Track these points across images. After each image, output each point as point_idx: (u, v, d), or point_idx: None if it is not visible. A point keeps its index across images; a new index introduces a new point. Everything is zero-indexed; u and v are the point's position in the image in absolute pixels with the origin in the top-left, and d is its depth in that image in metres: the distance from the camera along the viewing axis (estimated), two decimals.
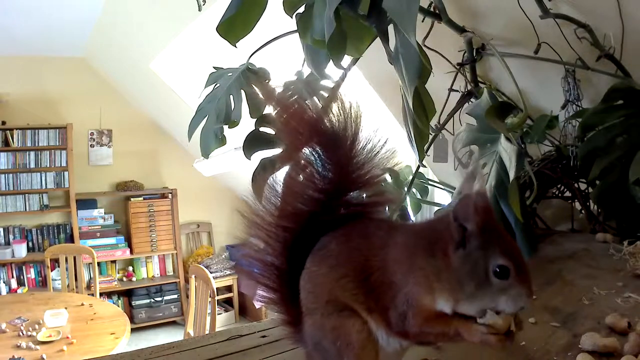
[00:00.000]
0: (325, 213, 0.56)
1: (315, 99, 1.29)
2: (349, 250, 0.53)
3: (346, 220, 0.56)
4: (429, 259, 0.48)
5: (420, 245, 0.49)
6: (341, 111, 0.55)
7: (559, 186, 1.39)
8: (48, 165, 4.73)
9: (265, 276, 0.58)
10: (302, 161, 0.56)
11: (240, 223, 0.58)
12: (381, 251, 0.51)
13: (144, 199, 5.19)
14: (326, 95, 1.27)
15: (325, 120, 0.55)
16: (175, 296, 5.21)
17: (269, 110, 1.24)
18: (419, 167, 1.42)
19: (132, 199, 5.13)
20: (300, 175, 0.57)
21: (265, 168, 1.10)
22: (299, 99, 1.19)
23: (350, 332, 0.50)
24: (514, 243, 0.48)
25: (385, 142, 0.56)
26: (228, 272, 5.29)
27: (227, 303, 5.38)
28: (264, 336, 0.73)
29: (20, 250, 4.57)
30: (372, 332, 0.51)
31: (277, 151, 0.57)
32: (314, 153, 0.56)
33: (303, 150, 0.56)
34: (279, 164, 0.59)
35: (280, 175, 0.58)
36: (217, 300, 3.55)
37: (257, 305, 4.79)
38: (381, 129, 0.56)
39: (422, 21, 1.37)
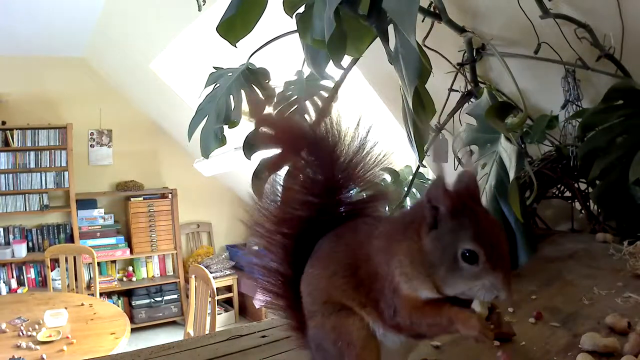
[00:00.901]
0: (322, 216, 0.56)
1: (315, 99, 1.29)
2: (338, 247, 0.53)
3: (345, 221, 0.56)
4: (403, 242, 0.47)
5: (397, 231, 0.49)
6: (322, 116, 0.56)
7: (559, 186, 1.39)
8: (48, 165, 4.73)
9: (271, 283, 0.58)
10: (293, 168, 0.57)
11: (244, 230, 0.58)
12: (366, 243, 0.51)
13: (144, 199, 5.19)
14: (326, 95, 1.27)
15: (308, 126, 0.55)
16: (175, 296, 5.21)
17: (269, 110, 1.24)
18: (419, 167, 1.42)
19: (132, 199, 5.13)
20: (293, 182, 0.57)
21: (265, 168, 1.10)
22: (287, 111, 1.20)
23: (351, 330, 0.50)
24: (491, 228, 0.46)
25: (369, 134, 0.56)
26: (228, 272, 5.29)
27: (227, 303, 5.38)
28: (264, 336, 0.73)
29: (20, 250, 4.57)
30: (371, 329, 0.50)
31: (276, 151, 0.57)
32: (302, 159, 0.56)
33: (292, 159, 0.56)
34: (267, 172, 0.59)
35: (278, 181, 0.58)
36: (217, 300, 3.55)
37: (257, 305, 4.79)
38: (365, 123, 0.56)
39: (422, 21, 1.36)
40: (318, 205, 0.56)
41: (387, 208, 0.61)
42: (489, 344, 0.66)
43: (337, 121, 0.55)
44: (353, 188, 0.57)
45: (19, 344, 2.52)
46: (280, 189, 0.58)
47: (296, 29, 1.09)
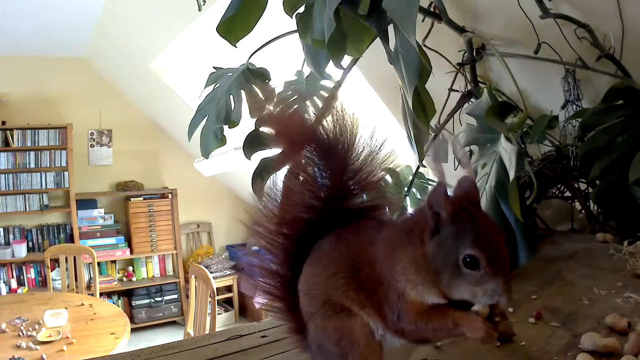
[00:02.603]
0: (325, 219, 0.56)
1: (315, 99, 1.29)
2: (340, 248, 0.53)
3: (346, 224, 0.56)
4: (407, 248, 0.48)
5: (401, 237, 0.49)
6: (336, 120, 0.55)
7: (559, 186, 1.39)
8: (48, 165, 4.73)
9: (271, 285, 0.58)
10: (299, 170, 0.56)
11: (244, 230, 0.58)
12: (370, 247, 0.51)
13: (144, 199, 5.19)
14: (326, 95, 1.27)
15: (319, 129, 0.55)
16: (175, 296, 5.21)
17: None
18: (419, 167, 1.42)
19: (132, 199, 5.13)
20: (298, 184, 0.57)
21: (266, 168, 1.10)
22: (291, 109, 1.19)
23: (353, 330, 0.50)
24: (491, 232, 0.46)
25: (383, 145, 0.56)
26: (228, 272, 5.29)
27: (227, 303, 5.38)
28: (264, 336, 0.73)
29: (20, 250, 4.57)
30: (372, 329, 0.50)
31: (276, 151, 0.57)
32: (310, 161, 0.56)
33: (298, 159, 0.56)
34: (274, 169, 0.59)
35: (278, 182, 0.58)
36: (217, 300, 3.55)
37: (257, 306, 4.80)
38: (378, 132, 0.55)
39: (422, 21, 1.36)
40: (322, 209, 0.56)
41: (389, 212, 0.60)
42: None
43: (351, 127, 0.55)
44: (360, 195, 0.57)
45: (19, 344, 2.52)
46: (281, 189, 0.57)
47: (296, 29, 1.09)
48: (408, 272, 0.47)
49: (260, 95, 1.26)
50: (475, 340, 0.46)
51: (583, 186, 1.32)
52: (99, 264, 4.62)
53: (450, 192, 0.47)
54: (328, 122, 0.55)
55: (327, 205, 0.56)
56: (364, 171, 0.56)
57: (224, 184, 5.58)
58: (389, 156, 0.56)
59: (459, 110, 1.40)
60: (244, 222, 0.58)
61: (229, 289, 5.39)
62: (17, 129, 4.59)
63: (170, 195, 5.28)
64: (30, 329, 2.71)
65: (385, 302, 0.49)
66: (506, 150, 0.98)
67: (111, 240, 5.01)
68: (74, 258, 4.04)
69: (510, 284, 0.45)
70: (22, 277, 4.65)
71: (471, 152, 1.32)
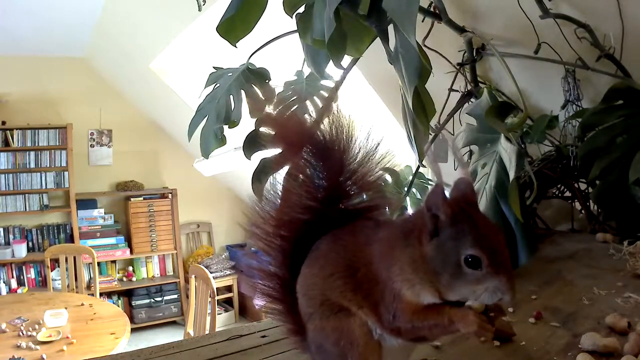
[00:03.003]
0: (322, 220, 0.56)
1: (315, 99, 1.29)
2: (337, 248, 0.53)
3: (344, 225, 0.56)
4: (405, 249, 0.48)
5: (398, 238, 0.49)
6: (333, 121, 0.55)
7: (559, 186, 1.39)
8: (48, 165, 4.73)
9: (269, 287, 0.58)
10: (297, 171, 0.56)
11: (243, 232, 0.59)
12: (367, 247, 0.51)
13: (144, 199, 5.19)
14: (326, 95, 1.27)
15: (316, 131, 0.55)
16: (175, 296, 5.22)
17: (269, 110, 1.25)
18: (419, 167, 1.42)
19: (132, 199, 5.13)
20: (295, 185, 0.57)
21: (265, 169, 1.10)
22: (290, 109, 1.19)
23: (352, 329, 0.50)
24: (491, 233, 0.46)
25: (379, 145, 0.56)
26: (228, 272, 5.29)
27: (227, 303, 5.38)
28: (264, 336, 0.73)
29: (20, 250, 4.57)
30: (371, 328, 0.50)
31: (276, 152, 0.57)
32: (307, 163, 0.56)
33: (296, 160, 0.56)
34: (272, 170, 0.59)
35: (277, 183, 0.58)
36: (217, 300, 3.55)
37: (257, 306, 4.80)
38: (374, 132, 0.56)
39: (422, 21, 1.37)
40: (319, 210, 0.56)
41: (388, 212, 0.60)
42: (489, 343, 0.66)
43: (347, 128, 0.55)
44: (357, 196, 0.57)
45: (19, 344, 2.52)
46: (280, 190, 0.58)
47: (296, 29, 1.09)
48: (405, 272, 0.47)
49: (260, 96, 1.26)
50: (470, 334, 0.46)
51: (583, 186, 1.32)
52: (99, 264, 4.62)
53: (447, 193, 0.47)
54: (324, 123, 0.55)
55: (324, 206, 0.56)
56: (360, 172, 0.56)
57: (224, 184, 5.58)
58: (385, 156, 0.56)
59: (459, 110, 1.40)
60: (242, 225, 0.58)
61: (229, 289, 5.39)
62: (17, 129, 4.59)
63: (170, 195, 5.28)
64: (30, 329, 2.71)
65: (382, 302, 0.49)
66: (506, 150, 0.98)
67: (111, 240, 5.01)
68: (74, 258, 4.04)
69: (514, 282, 0.46)
70: (22, 277, 4.65)
71: (471, 152, 1.32)
